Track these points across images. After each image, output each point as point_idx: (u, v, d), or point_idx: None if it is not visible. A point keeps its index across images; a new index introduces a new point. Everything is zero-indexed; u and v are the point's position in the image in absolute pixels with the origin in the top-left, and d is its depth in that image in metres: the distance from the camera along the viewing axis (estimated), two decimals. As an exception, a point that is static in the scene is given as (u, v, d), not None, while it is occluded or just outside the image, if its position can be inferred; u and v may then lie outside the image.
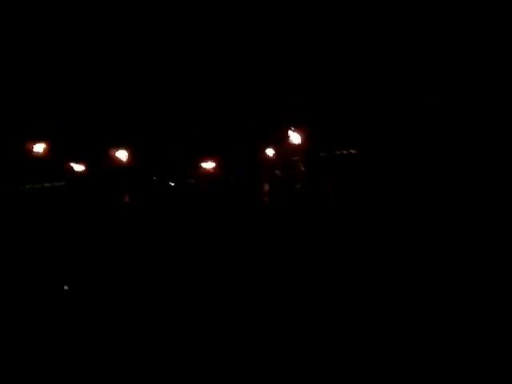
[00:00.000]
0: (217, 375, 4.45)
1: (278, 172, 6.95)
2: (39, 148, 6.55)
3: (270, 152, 6.84)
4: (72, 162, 6.71)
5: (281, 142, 6.87)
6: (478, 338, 4.05)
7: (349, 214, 6.39)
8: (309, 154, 6.83)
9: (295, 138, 6.77)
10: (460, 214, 5.90)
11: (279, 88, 6.74)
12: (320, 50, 6.58)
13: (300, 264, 6.02)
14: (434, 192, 6.19)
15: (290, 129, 6.85)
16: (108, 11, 6.42)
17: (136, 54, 6.46)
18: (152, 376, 4.26)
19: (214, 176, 6.83)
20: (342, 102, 6.69)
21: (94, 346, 5.10)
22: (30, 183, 6.73)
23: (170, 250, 6.40)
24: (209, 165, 6.75)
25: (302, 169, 6.90)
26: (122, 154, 6.35)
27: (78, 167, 6.78)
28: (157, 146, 6.69)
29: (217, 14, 6.49)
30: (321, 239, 6.26)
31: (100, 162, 6.65)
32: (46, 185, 6.82)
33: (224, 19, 6.51)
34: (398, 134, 6.56)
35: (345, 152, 6.74)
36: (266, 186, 6.87)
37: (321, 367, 4.19)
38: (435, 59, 6.27)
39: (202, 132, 6.79)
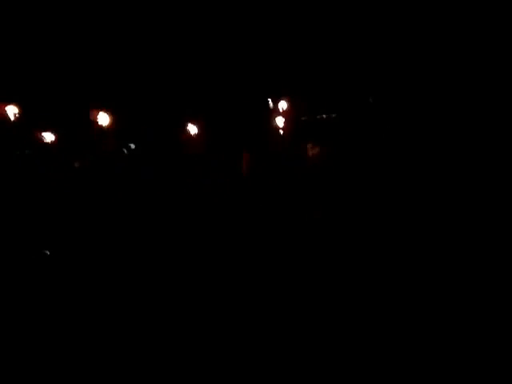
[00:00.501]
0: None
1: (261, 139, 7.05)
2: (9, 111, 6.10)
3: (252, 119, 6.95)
4: (45, 128, 6.36)
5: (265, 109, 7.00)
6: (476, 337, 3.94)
7: (331, 175, 6.62)
8: (290, 118, 6.97)
9: (280, 105, 6.94)
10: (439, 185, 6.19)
11: (262, 58, 6.81)
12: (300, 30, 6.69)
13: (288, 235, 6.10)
14: (410, 156, 6.51)
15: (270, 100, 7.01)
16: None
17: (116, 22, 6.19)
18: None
19: (197, 141, 6.79)
20: (322, 71, 6.87)
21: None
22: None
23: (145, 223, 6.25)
24: (193, 129, 6.69)
25: (283, 133, 7.03)
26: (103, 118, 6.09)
27: (49, 136, 6.43)
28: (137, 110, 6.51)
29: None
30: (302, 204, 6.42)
31: (76, 128, 6.36)
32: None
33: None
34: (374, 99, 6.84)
35: (324, 116, 6.95)
36: (249, 154, 6.92)
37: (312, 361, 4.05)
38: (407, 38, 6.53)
39: (185, 98, 6.71)
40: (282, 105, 6.95)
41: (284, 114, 6.97)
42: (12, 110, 6.07)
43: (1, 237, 5.76)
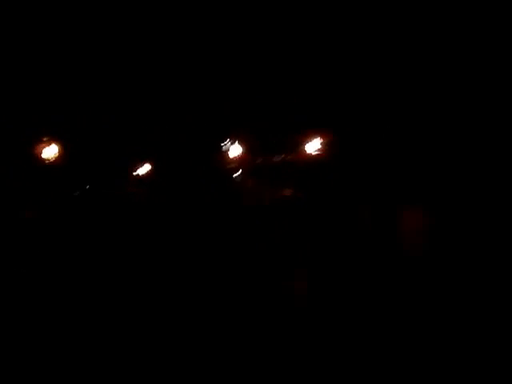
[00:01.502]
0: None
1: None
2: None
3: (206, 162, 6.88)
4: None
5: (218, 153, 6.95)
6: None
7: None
8: (244, 162, 6.95)
9: (233, 150, 6.94)
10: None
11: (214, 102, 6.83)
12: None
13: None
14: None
15: (223, 144, 7.01)
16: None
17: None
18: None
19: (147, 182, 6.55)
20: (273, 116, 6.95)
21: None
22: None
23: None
24: (143, 170, 6.48)
25: (239, 176, 6.97)
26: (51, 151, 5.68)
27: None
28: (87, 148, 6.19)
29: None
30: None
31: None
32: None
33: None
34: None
35: (280, 158, 6.97)
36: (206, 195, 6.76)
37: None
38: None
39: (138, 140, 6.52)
40: (236, 147, 6.95)
41: (239, 156, 6.95)
42: None
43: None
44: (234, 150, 6.91)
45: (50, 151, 5.55)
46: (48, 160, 5.54)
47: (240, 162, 6.95)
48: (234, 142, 6.89)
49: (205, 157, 6.91)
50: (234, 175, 6.99)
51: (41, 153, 5.52)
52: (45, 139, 5.49)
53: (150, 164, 6.44)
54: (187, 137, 6.80)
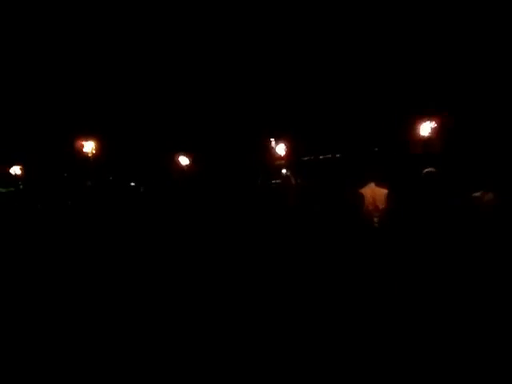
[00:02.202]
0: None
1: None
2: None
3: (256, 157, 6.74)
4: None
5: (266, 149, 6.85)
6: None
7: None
8: (292, 158, 6.70)
9: (279, 147, 6.81)
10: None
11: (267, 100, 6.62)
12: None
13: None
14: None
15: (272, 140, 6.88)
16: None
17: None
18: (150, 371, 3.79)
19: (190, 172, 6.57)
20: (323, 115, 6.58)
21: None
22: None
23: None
24: (184, 160, 6.49)
25: (285, 172, 6.71)
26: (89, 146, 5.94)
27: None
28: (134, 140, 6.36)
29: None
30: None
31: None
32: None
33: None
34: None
35: (329, 156, 6.56)
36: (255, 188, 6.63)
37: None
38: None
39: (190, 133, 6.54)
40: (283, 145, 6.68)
41: (285, 154, 6.67)
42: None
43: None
44: (282, 148, 6.67)
45: (89, 146, 5.80)
46: (89, 154, 5.81)
47: (287, 159, 6.68)
48: (282, 140, 6.63)
49: (252, 153, 6.77)
50: (282, 172, 6.71)
51: (82, 147, 5.80)
52: (84, 136, 5.74)
53: (190, 158, 6.42)
54: (235, 133, 6.69)
